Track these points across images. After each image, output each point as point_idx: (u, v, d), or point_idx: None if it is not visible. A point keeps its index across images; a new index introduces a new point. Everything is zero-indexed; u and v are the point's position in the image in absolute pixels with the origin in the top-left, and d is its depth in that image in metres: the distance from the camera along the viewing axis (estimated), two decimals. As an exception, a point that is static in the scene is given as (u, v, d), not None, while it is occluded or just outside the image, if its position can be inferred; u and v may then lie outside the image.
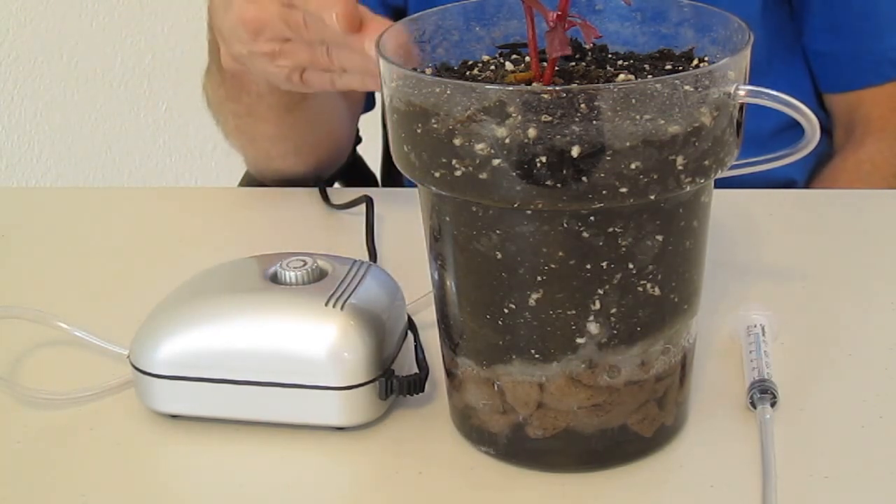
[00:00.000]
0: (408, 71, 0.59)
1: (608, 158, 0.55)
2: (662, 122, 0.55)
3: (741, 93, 0.58)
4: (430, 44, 0.65)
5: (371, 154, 1.28)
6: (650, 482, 0.63)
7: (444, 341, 0.65)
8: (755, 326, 0.72)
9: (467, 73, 0.63)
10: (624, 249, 0.58)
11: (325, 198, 0.97)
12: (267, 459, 0.66)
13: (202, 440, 0.67)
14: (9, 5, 2.06)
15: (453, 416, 0.67)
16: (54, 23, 2.09)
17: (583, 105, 0.54)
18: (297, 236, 0.93)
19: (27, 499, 0.64)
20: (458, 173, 0.57)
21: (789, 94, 0.58)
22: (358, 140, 1.20)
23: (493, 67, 0.63)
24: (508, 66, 0.62)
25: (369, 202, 0.92)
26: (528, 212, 0.57)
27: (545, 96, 0.54)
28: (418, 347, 0.70)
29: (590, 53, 0.64)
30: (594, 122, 0.54)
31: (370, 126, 1.22)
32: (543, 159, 0.55)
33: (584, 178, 0.55)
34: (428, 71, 0.64)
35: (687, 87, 0.55)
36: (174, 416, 0.68)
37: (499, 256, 0.59)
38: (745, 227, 0.90)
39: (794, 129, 0.60)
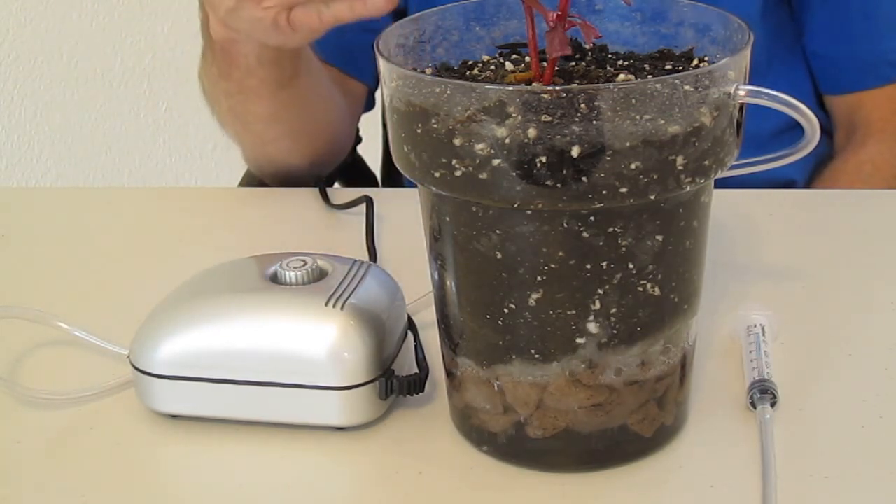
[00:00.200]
0: (408, 71, 0.59)
1: (608, 158, 0.55)
2: (662, 122, 0.55)
3: (741, 93, 0.58)
4: (430, 44, 0.65)
5: (371, 154, 1.28)
6: (650, 482, 0.63)
7: (444, 341, 0.65)
8: (755, 326, 0.72)
9: (467, 73, 0.63)
10: (624, 249, 0.58)
11: (325, 198, 0.97)
12: (267, 459, 0.66)
13: (202, 440, 0.67)
14: (9, 5, 2.06)
15: (453, 416, 0.67)
16: (54, 23, 2.09)
17: (583, 105, 0.54)
18: (297, 236, 0.93)
19: (27, 499, 0.64)
20: (458, 173, 0.57)
21: (789, 95, 0.58)
22: (358, 140, 1.20)
23: (493, 67, 0.63)
24: (508, 66, 0.62)
25: (369, 202, 0.92)
26: (528, 212, 0.57)
27: (545, 96, 0.54)
28: (418, 347, 0.70)
29: (590, 53, 0.64)
30: (594, 122, 0.54)
31: (370, 126, 1.22)
32: (543, 159, 0.55)
33: (584, 178, 0.55)
34: (428, 71, 0.64)
35: (687, 87, 0.55)
36: (174, 416, 0.68)
37: (499, 256, 0.59)
38: (745, 227, 0.90)
39: (794, 130, 0.60)
